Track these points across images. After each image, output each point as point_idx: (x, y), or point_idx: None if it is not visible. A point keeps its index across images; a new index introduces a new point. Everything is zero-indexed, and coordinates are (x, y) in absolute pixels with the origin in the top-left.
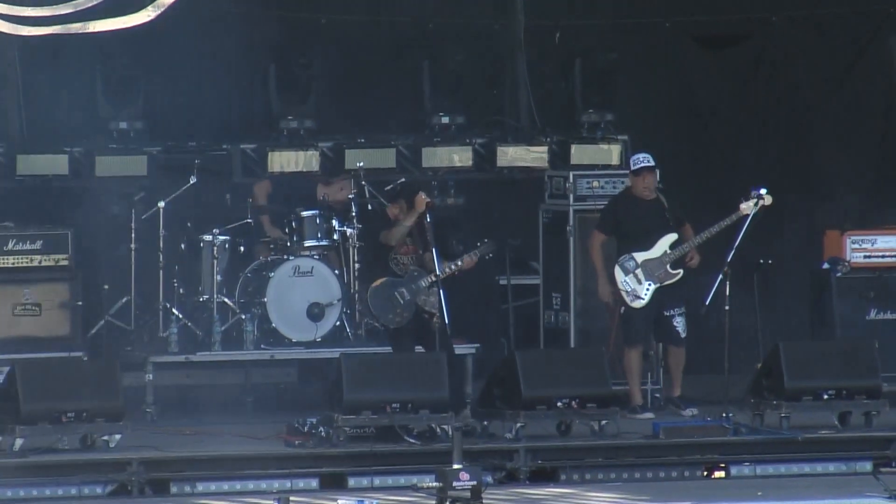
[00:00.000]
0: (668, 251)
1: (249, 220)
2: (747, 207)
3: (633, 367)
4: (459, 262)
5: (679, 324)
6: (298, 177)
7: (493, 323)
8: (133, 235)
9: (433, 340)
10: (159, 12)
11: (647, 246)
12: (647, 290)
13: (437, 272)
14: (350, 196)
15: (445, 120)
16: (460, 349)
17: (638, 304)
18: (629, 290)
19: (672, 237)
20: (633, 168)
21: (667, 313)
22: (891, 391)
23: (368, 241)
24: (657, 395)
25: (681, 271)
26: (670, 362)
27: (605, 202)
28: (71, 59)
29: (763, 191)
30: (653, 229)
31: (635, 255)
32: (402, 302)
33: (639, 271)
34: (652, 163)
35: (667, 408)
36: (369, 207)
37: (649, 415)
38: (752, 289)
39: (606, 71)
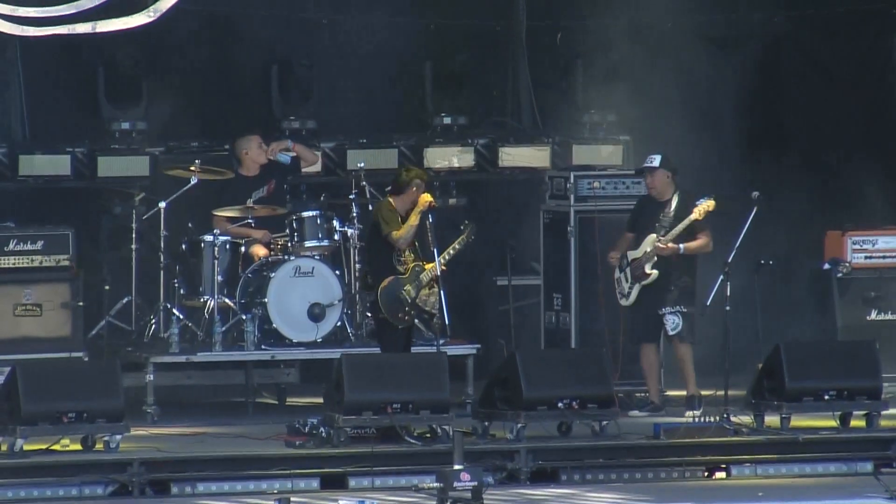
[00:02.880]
0: (648, 251)
1: (251, 221)
2: (697, 212)
3: (643, 364)
4: (452, 251)
5: (669, 321)
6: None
7: (493, 323)
8: (134, 236)
9: (409, 342)
10: (160, 13)
11: (637, 245)
12: (631, 289)
13: (438, 272)
14: (270, 159)
15: (447, 120)
16: (461, 349)
17: (624, 302)
18: (618, 288)
19: (654, 237)
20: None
21: (660, 312)
22: (892, 392)
23: (374, 239)
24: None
25: (656, 272)
26: (678, 359)
27: (604, 202)
28: (73, 60)
29: (706, 196)
30: (647, 229)
31: (629, 253)
32: (409, 300)
33: (627, 270)
34: (652, 164)
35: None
36: (370, 208)
37: (635, 412)
38: (752, 289)
39: (608, 71)
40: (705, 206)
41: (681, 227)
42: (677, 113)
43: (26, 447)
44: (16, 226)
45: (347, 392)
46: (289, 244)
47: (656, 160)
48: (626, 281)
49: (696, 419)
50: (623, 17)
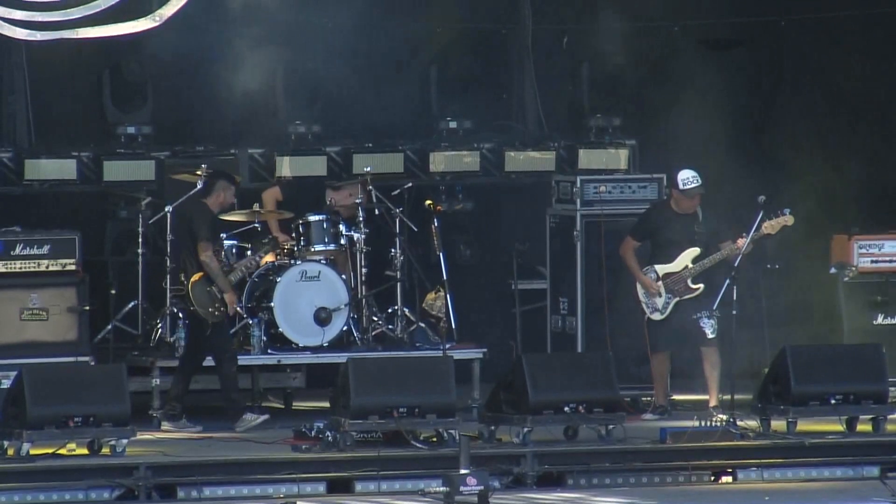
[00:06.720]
0: (690, 265)
1: (257, 225)
2: (770, 227)
3: (654, 371)
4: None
5: (706, 325)
6: (307, 180)
7: (500, 327)
8: (140, 240)
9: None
10: (165, 18)
11: (670, 259)
12: (667, 303)
13: (445, 276)
14: (357, 201)
15: (453, 124)
16: (468, 353)
17: (656, 316)
18: (647, 301)
19: (694, 251)
20: (683, 187)
21: (694, 317)
22: None
23: (186, 238)
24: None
25: (701, 286)
26: (704, 365)
27: (611, 207)
28: (78, 64)
29: (787, 211)
30: (679, 242)
31: (657, 267)
32: (219, 297)
33: (659, 284)
34: (700, 183)
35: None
36: (376, 212)
37: (649, 416)
38: (759, 293)
39: (614, 75)
40: (782, 221)
41: (748, 240)
42: (682, 117)
43: (32, 451)
44: (22, 230)
45: (354, 396)
46: (295, 248)
47: (699, 177)
48: (660, 295)
49: (703, 423)
50: (628, 21)
